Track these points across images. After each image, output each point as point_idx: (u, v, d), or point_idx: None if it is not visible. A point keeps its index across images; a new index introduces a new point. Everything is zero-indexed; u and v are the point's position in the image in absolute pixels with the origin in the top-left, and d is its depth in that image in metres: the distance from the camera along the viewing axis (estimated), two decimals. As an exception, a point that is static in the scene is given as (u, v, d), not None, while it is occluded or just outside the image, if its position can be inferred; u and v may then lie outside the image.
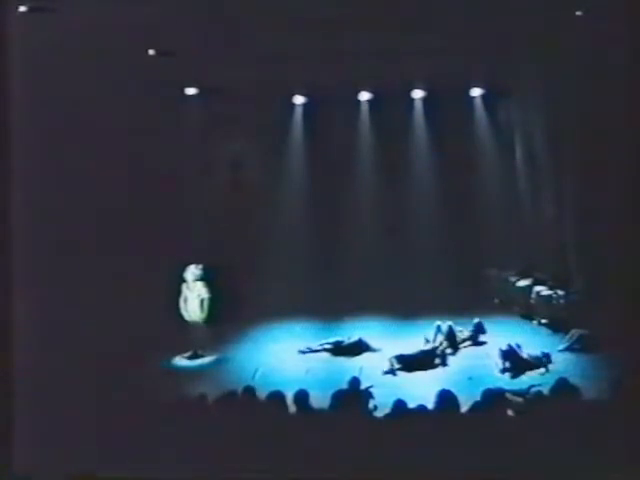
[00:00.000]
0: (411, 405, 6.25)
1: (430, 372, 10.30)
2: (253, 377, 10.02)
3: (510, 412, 6.28)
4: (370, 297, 12.99)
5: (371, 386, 8.41)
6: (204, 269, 11.78)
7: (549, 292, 12.48)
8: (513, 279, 13.48)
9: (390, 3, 9.40)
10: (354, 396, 7.48)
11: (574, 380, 6.93)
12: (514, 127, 14.04)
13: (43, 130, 8.91)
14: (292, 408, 6.47)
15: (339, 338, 11.61)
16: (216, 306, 11.69)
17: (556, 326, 11.90)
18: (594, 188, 11.26)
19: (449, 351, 10.98)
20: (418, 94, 13.97)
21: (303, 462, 5.30)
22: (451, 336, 11.19)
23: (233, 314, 12.07)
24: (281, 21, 9.70)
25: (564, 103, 11.90)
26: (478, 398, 6.32)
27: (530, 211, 13.88)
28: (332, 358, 11.27)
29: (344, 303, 13.03)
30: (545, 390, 6.98)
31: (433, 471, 5.21)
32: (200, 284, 11.66)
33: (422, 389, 8.74)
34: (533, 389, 8.27)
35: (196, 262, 11.79)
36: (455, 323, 11.40)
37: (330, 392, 7.08)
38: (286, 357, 11.27)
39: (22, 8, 8.55)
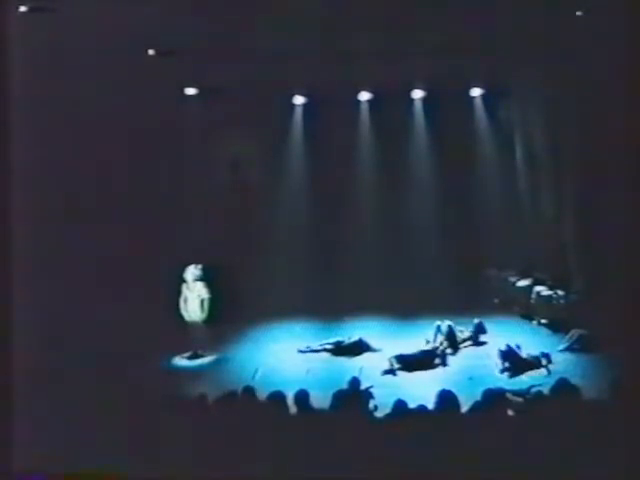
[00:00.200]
0: (411, 405, 6.24)
1: (430, 372, 10.31)
2: (253, 377, 10.02)
3: (510, 412, 6.27)
4: (370, 297, 12.98)
5: (371, 386, 8.42)
6: (204, 269, 11.78)
7: (549, 292, 12.47)
8: (513, 279, 13.48)
9: (390, 3, 9.40)
10: (354, 396, 7.49)
11: (574, 380, 6.92)
12: (514, 127, 14.03)
13: (43, 130, 8.91)
14: (292, 408, 6.46)
15: (339, 338, 11.61)
16: (216, 306, 11.68)
17: (556, 326, 11.90)
18: (594, 188, 11.27)
19: (449, 351, 10.99)
20: (418, 94, 13.94)
21: (303, 462, 5.30)
22: (451, 336, 11.19)
23: (233, 314, 12.07)
24: (281, 21, 9.70)
25: (564, 103, 11.91)
26: (478, 398, 6.31)
27: (530, 211, 13.87)
28: (332, 358, 11.28)
29: (344, 303, 13.03)
30: (545, 390, 6.98)
31: (433, 471, 5.21)
32: (200, 284, 11.66)
33: (422, 389, 8.74)
34: (533, 389, 8.29)
35: (196, 262, 11.79)
36: (455, 323, 11.41)
37: (330, 392, 7.09)
38: (286, 357, 11.27)
39: (22, 8, 8.57)
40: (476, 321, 11.67)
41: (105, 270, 10.66)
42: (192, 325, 11.58)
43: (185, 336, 11.47)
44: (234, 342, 12.08)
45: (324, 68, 11.59)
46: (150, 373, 9.94)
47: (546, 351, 10.44)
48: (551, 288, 12.52)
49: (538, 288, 12.75)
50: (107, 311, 10.21)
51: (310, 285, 13.41)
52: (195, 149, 13.47)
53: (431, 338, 11.10)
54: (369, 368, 10.25)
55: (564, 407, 5.93)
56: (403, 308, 12.72)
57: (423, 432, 5.50)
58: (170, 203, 12.78)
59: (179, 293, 11.65)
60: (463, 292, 12.76)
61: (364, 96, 14.04)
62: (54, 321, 9.04)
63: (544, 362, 10.19)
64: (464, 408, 6.13)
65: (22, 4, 8.54)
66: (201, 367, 11.05)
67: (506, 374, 9.96)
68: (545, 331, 12.08)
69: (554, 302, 12.29)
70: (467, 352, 11.25)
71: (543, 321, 12.34)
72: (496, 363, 10.24)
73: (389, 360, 10.36)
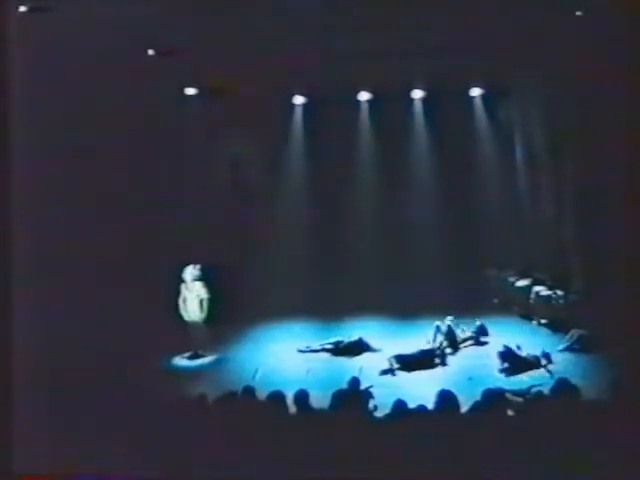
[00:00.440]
0: (411, 405, 6.24)
1: (430, 372, 10.31)
2: (253, 377, 10.02)
3: (510, 412, 6.27)
4: (370, 297, 12.99)
5: (371, 386, 8.41)
6: (203, 269, 11.77)
7: (548, 292, 12.47)
8: (512, 279, 13.48)
9: (390, 3, 9.40)
10: (354, 396, 7.48)
11: (574, 380, 6.92)
12: (514, 127, 14.04)
13: (43, 130, 8.91)
14: (292, 408, 6.47)
15: (339, 338, 11.62)
16: (215, 306, 11.68)
17: (555, 326, 11.90)
18: (594, 188, 11.27)
19: (449, 351, 10.99)
20: (418, 94, 13.95)
21: (303, 462, 5.30)
22: (451, 335, 11.19)
23: (232, 314, 12.07)
24: (281, 21, 9.70)
25: (564, 103, 11.90)
26: (478, 398, 6.31)
27: (530, 211, 13.88)
28: (332, 358, 11.28)
29: (344, 303, 13.03)
30: (545, 390, 6.98)
31: (433, 471, 5.21)
32: (199, 284, 11.66)
33: (422, 389, 8.75)
34: (533, 389, 8.29)
35: (195, 262, 11.79)
36: (455, 323, 11.41)
37: (330, 392, 7.08)
38: (286, 357, 11.28)
39: (22, 8, 8.56)
40: (478, 323, 11.68)
41: (105, 270, 10.66)
42: (192, 325, 11.59)
43: (185, 336, 11.47)
44: (234, 342, 12.08)
45: (324, 68, 11.59)
46: (150, 373, 9.95)
47: (546, 351, 10.45)
48: (550, 288, 12.52)
49: (537, 288, 12.75)
50: (107, 311, 10.21)
51: (310, 285, 13.42)
52: (195, 149, 13.47)
53: (431, 338, 11.10)
54: (369, 368, 10.25)
55: (564, 407, 5.93)
56: (403, 308, 12.72)
57: (423, 432, 5.50)
58: (170, 203, 12.78)
59: (178, 293, 11.66)
60: (462, 292, 12.77)
61: (364, 96, 14.04)
62: (54, 321, 9.04)
63: (544, 362, 10.19)
64: (464, 408, 6.13)
65: (22, 4, 8.54)
66: (201, 367, 11.05)
67: (504, 374, 9.97)
68: (545, 331, 12.08)
69: (553, 302, 12.29)
70: (467, 352, 11.26)
71: (543, 321, 12.34)
72: (496, 363, 10.25)
73: (388, 360, 10.37)
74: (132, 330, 10.25)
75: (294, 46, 10.61)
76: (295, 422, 6.15)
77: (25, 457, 5.64)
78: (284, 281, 13.45)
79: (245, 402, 6.45)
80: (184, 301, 11.60)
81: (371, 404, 7.54)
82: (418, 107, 14.13)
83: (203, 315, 11.58)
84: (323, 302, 13.03)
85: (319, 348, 11.52)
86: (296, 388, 6.84)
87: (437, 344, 10.96)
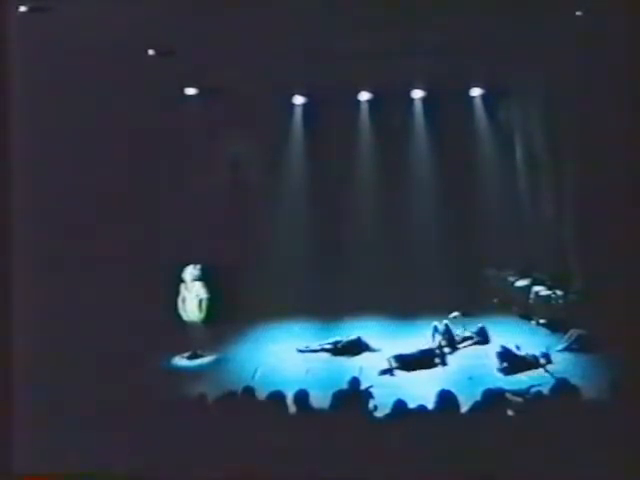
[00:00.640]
0: (411, 405, 6.24)
1: (430, 372, 10.31)
2: (253, 377, 10.02)
3: (510, 412, 6.27)
4: (370, 297, 12.99)
5: (371, 386, 8.41)
6: (202, 269, 11.77)
7: (548, 292, 12.47)
8: (512, 279, 13.48)
9: (390, 3, 9.40)
10: (354, 396, 7.48)
11: (574, 380, 6.92)
12: (514, 127, 14.04)
13: (43, 130, 8.91)
14: (292, 408, 6.47)
15: (339, 338, 11.61)
16: (215, 306, 11.68)
17: (555, 326, 11.90)
18: (594, 188, 11.27)
19: (448, 350, 10.98)
20: (418, 94, 13.95)
21: (303, 462, 5.30)
22: (449, 335, 11.20)
23: (232, 314, 12.08)
24: (281, 21, 9.69)
25: (564, 103, 11.91)
26: (478, 398, 6.31)
27: (530, 211, 13.88)
28: (332, 358, 11.28)
29: (343, 303, 13.03)
30: (545, 390, 6.98)
31: (433, 471, 5.21)
32: (198, 284, 11.65)
33: (422, 389, 8.75)
34: (533, 389, 8.29)
35: (195, 262, 11.79)
36: (454, 323, 11.41)
37: (330, 392, 7.07)
38: (286, 357, 11.28)
39: (22, 8, 8.56)
40: (479, 325, 11.68)
41: (105, 270, 10.66)
42: (191, 325, 11.58)
43: (185, 336, 11.47)
44: (234, 342, 12.08)
45: (324, 68, 11.59)
46: (150, 373, 9.95)
47: (545, 351, 10.45)
48: (550, 288, 12.52)
49: (537, 288, 12.76)
50: (107, 311, 10.22)
51: (310, 285, 13.41)
52: (195, 149, 13.47)
53: (430, 339, 11.10)
54: (369, 368, 10.25)
55: (564, 407, 5.93)
56: (402, 308, 12.72)
57: (423, 432, 5.50)
58: (169, 203, 12.77)
59: (178, 293, 11.65)
60: (462, 292, 12.76)
61: (364, 96, 14.05)
62: (54, 321, 9.04)
63: (543, 362, 10.20)
64: (464, 408, 6.13)
65: (22, 4, 8.53)
66: (201, 367, 11.05)
67: (502, 373, 9.97)
68: (544, 331, 12.08)
69: (553, 302, 12.29)
70: (467, 352, 11.26)
71: (542, 321, 12.34)
72: (495, 363, 10.25)
73: (388, 360, 10.37)
74: (132, 330, 10.25)
75: (294, 46, 10.61)
76: (295, 422, 6.15)
77: (25, 457, 5.64)
78: (284, 281, 13.45)
79: (245, 402, 6.45)
80: (183, 301, 11.60)
81: (371, 404, 7.53)
82: (418, 107, 14.12)
83: (202, 315, 11.57)
84: (322, 302, 13.02)
85: (318, 348, 11.53)
86: (296, 388, 6.84)
87: (435, 344, 10.96)
